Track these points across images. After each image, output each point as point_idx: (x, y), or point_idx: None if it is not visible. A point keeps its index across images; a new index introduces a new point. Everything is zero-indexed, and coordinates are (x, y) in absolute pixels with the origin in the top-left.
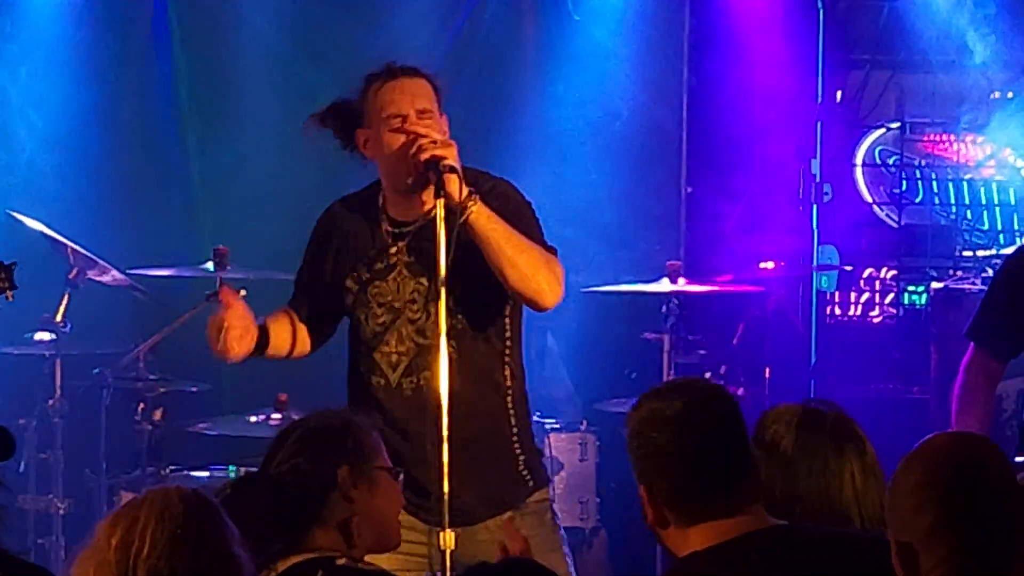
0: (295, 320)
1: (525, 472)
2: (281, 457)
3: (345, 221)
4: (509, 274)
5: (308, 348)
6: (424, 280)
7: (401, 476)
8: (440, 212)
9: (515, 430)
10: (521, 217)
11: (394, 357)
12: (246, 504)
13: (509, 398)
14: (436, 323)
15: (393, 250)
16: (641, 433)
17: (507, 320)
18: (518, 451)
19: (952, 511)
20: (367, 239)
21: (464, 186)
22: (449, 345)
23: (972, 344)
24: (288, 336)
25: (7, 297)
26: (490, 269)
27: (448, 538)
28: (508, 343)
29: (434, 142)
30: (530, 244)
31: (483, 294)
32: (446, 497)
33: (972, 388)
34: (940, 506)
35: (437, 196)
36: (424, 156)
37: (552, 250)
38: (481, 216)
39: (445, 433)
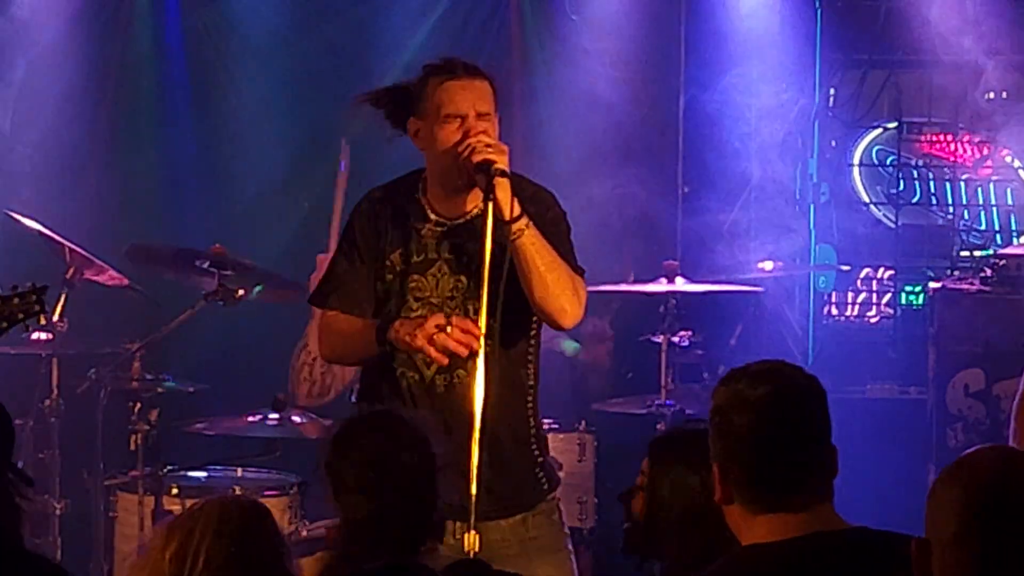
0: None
1: (540, 474)
2: None
3: (385, 209)
4: (536, 291)
5: None
6: (463, 278)
7: None
8: (489, 217)
9: (533, 432)
10: (556, 231)
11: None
12: None
13: (530, 399)
14: (476, 321)
15: (434, 244)
16: (722, 412)
17: (534, 321)
18: (536, 454)
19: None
20: (407, 230)
21: (516, 204)
22: (486, 344)
23: None
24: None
25: (38, 320)
26: None
27: (472, 539)
28: (532, 344)
29: (488, 145)
30: (561, 263)
31: (518, 296)
32: (474, 497)
33: None
34: (976, 525)
35: (486, 199)
36: (477, 158)
37: (580, 271)
38: (527, 241)
39: (477, 436)
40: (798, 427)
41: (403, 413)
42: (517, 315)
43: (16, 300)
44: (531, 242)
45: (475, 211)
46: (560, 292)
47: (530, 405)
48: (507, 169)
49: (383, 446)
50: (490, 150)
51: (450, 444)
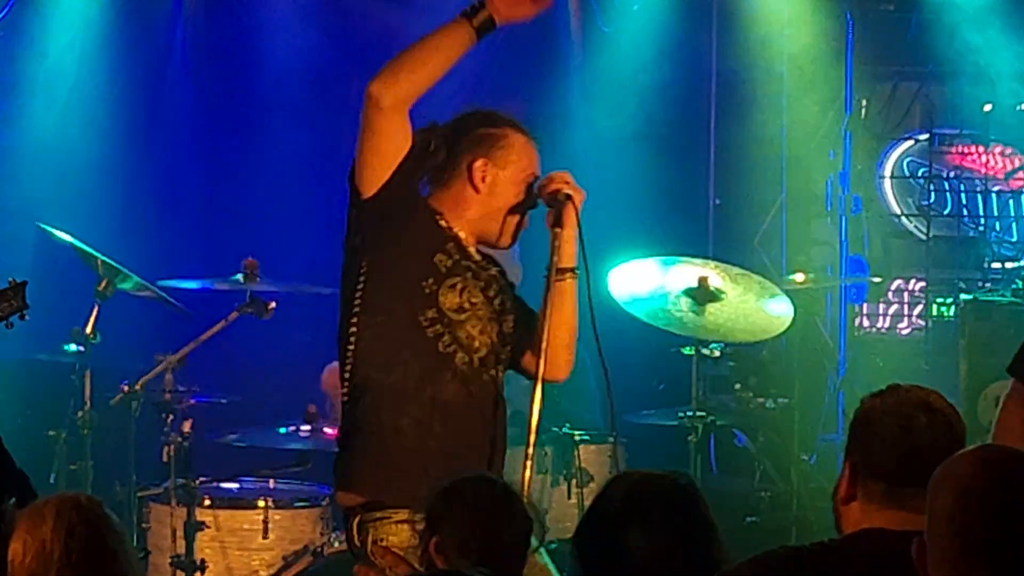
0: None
1: None
2: None
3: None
4: (556, 336)
5: None
6: (494, 305)
7: None
8: (561, 244)
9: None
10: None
11: (476, 343)
12: None
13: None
14: (503, 338)
15: (477, 259)
16: (869, 418)
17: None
18: None
19: (987, 536)
20: (434, 235)
21: (574, 259)
22: (497, 370)
23: (1013, 382)
24: None
25: (20, 317)
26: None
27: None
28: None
29: (566, 181)
30: (576, 324)
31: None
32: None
33: (1008, 429)
34: (973, 533)
35: (555, 225)
36: (554, 187)
37: None
38: (568, 289)
39: (533, 439)
40: (936, 439)
41: (507, 486)
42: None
43: None
44: (573, 293)
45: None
46: (571, 347)
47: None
48: (577, 203)
49: (490, 526)
50: (567, 185)
51: (500, 440)
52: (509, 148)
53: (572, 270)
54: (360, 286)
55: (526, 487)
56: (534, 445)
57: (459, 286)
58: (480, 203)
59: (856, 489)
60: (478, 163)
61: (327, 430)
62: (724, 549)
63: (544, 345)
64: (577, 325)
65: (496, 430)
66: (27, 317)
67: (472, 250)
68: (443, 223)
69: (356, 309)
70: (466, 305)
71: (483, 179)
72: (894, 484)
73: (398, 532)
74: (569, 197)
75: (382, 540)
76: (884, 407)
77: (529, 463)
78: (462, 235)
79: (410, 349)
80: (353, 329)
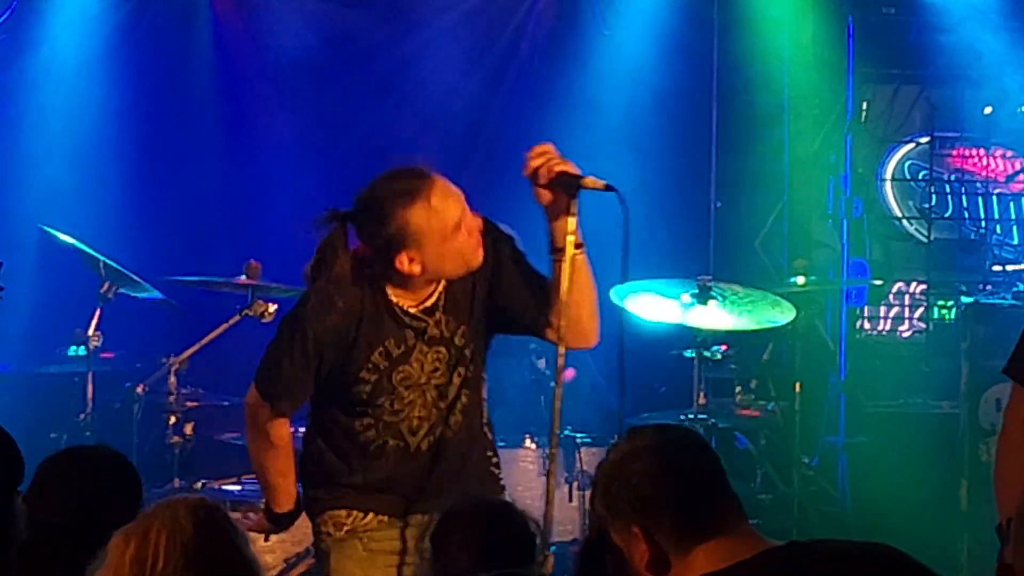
0: (285, 447)
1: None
2: None
3: (351, 317)
4: (583, 309)
5: None
6: (442, 348)
7: None
8: (569, 219)
9: (494, 460)
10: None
11: (415, 422)
12: None
13: (487, 435)
14: (457, 380)
15: (410, 333)
16: (621, 471)
17: (485, 366)
18: (501, 481)
19: None
20: (382, 329)
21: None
22: (464, 394)
23: (1013, 385)
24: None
25: None
26: (502, 315)
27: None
28: (486, 388)
29: (562, 160)
30: (595, 290)
31: (485, 345)
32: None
33: (1014, 443)
34: None
35: (568, 212)
36: (558, 169)
37: None
38: (583, 263)
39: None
40: (694, 456)
41: (513, 508)
42: (483, 362)
43: None
44: (586, 266)
45: (436, 296)
46: (596, 314)
47: (488, 436)
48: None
49: (491, 546)
50: (566, 162)
51: (448, 484)
52: (417, 226)
53: (581, 245)
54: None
55: (550, 492)
56: (556, 435)
57: (384, 403)
58: (423, 273)
59: (665, 550)
60: (399, 260)
61: None
62: None
63: (564, 322)
64: (596, 291)
65: (447, 470)
66: (1, 298)
67: (408, 315)
68: (389, 299)
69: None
70: (400, 407)
71: (410, 264)
72: (693, 514)
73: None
74: (579, 177)
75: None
76: (625, 455)
77: (552, 464)
78: (398, 310)
79: (347, 442)
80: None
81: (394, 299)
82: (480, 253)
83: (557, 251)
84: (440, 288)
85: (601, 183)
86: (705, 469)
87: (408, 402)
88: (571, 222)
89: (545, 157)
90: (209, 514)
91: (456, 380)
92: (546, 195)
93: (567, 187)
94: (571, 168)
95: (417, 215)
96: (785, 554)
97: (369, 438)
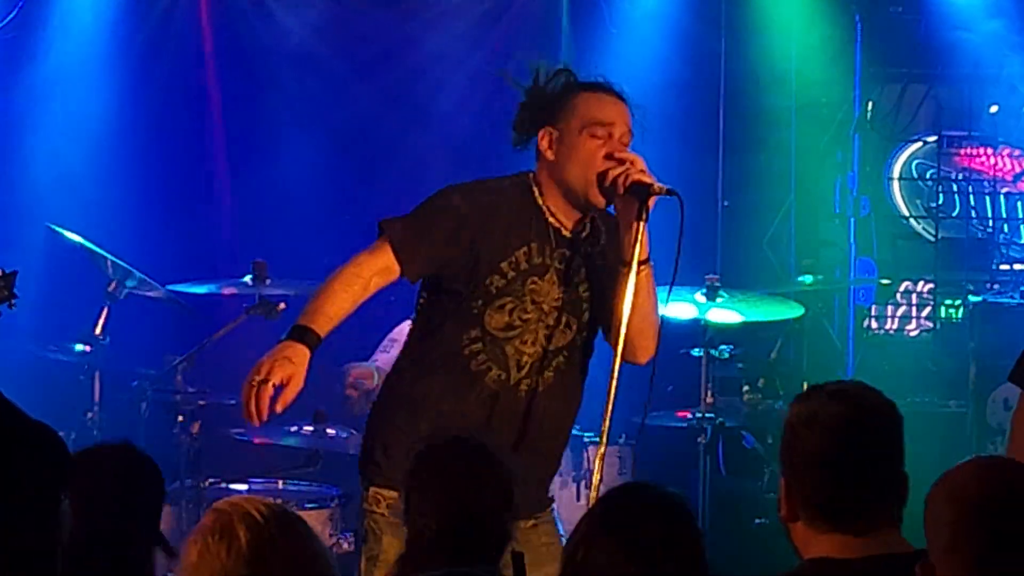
0: (364, 290)
1: (550, 483)
2: None
3: (505, 204)
4: (638, 323)
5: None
6: (568, 290)
7: None
8: (638, 241)
9: (567, 443)
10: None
11: (524, 357)
12: None
13: (575, 416)
14: (565, 334)
15: (551, 251)
16: (793, 429)
17: (594, 341)
18: (559, 465)
19: (987, 545)
20: (530, 231)
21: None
22: (564, 357)
23: (1021, 391)
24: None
25: (8, 306)
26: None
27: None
28: (588, 364)
29: (643, 170)
30: (658, 307)
31: (600, 318)
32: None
33: (1020, 446)
34: (973, 542)
35: (638, 218)
36: (636, 178)
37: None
38: (645, 279)
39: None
40: (868, 450)
41: (488, 445)
42: (593, 335)
43: None
44: (650, 282)
45: (580, 228)
46: (653, 332)
47: (574, 420)
48: (658, 194)
49: (465, 487)
50: (645, 174)
51: (523, 449)
52: (574, 107)
53: (648, 260)
54: (422, 300)
55: (594, 488)
56: (607, 433)
57: (508, 306)
58: (557, 169)
59: (796, 510)
60: (544, 130)
61: (336, 432)
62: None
63: (620, 336)
64: (658, 310)
65: (524, 434)
66: (15, 307)
67: (557, 233)
68: (538, 200)
69: (414, 316)
70: (516, 323)
71: (548, 143)
72: (827, 506)
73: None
74: (652, 189)
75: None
76: (805, 417)
77: (599, 462)
78: (550, 219)
79: (444, 366)
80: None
81: (547, 207)
82: (597, 185)
83: (625, 264)
84: (586, 223)
85: (666, 188)
86: (860, 470)
87: (525, 320)
88: (639, 229)
89: (624, 167)
90: (286, 516)
91: (565, 331)
92: (619, 205)
93: (638, 194)
94: (646, 177)
95: (576, 96)
96: (884, 564)
97: (473, 355)
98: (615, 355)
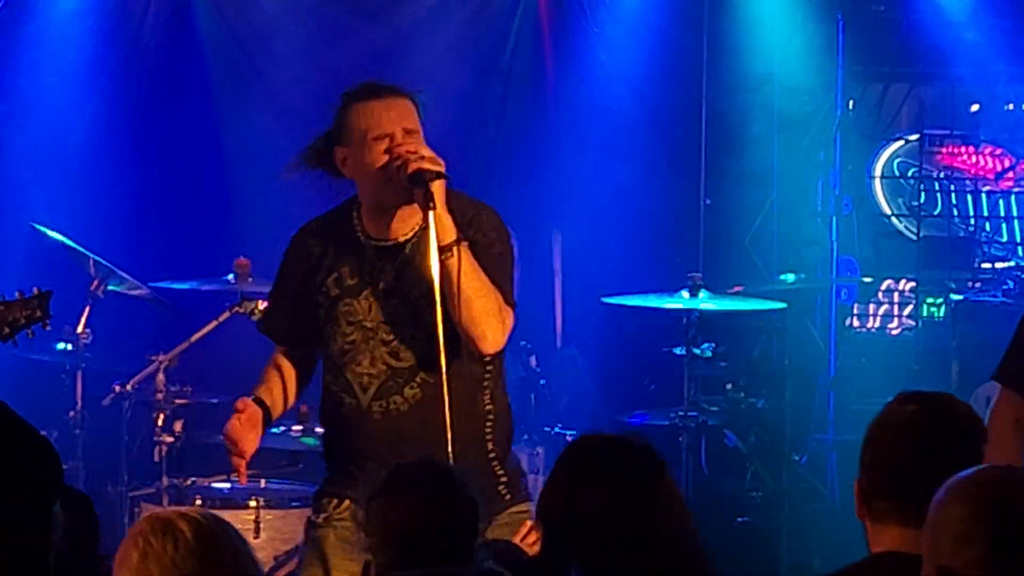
0: (283, 370)
1: (503, 490)
2: None
3: (319, 239)
4: (459, 313)
5: (302, 386)
6: (396, 302)
7: None
8: (432, 227)
9: (493, 454)
10: (490, 255)
11: (365, 379)
12: None
13: (489, 423)
14: (413, 346)
15: (368, 267)
16: (870, 432)
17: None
18: (499, 472)
19: (999, 546)
20: (341, 255)
21: (454, 230)
22: (427, 370)
23: (1001, 387)
24: (281, 394)
25: (43, 326)
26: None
27: None
28: (489, 369)
29: (421, 156)
30: (490, 289)
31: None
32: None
33: (1000, 443)
34: (986, 541)
35: (425, 206)
36: (412, 167)
37: (511, 304)
38: (455, 264)
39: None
40: (930, 445)
41: (451, 470)
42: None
43: (20, 306)
44: (462, 265)
45: (410, 234)
46: (483, 319)
47: (488, 428)
48: (443, 173)
49: (424, 508)
50: (423, 161)
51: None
52: (350, 124)
53: (456, 241)
54: None
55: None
56: (453, 442)
57: (333, 333)
58: (361, 186)
59: (867, 506)
60: (336, 152)
61: (319, 430)
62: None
63: (442, 330)
64: (488, 288)
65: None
66: (49, 327)
67: (376, 249)
68: (354, 221)
69: None
70: (345, 347)
71: (344, 163)
72: (896, 501)
73: None
74: (436, 176)
75: None
76: (883, 420)
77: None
78: (363, 237)
79: (325, 403)
80: None
81: (361, 225)
82: (396, 188)
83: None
84: (410, 233)
85: (438, 171)
86: (920, 464)
87: (352, 343)
88: (428, 216)
89: (399, 160)
90: (217, 518)
91: (411, 343)
92: (416, 198)
93: (418, 183)
94: (425, 163)
95: (348, 111)
96: None
97: (329, 386)
98: (438, 350)
